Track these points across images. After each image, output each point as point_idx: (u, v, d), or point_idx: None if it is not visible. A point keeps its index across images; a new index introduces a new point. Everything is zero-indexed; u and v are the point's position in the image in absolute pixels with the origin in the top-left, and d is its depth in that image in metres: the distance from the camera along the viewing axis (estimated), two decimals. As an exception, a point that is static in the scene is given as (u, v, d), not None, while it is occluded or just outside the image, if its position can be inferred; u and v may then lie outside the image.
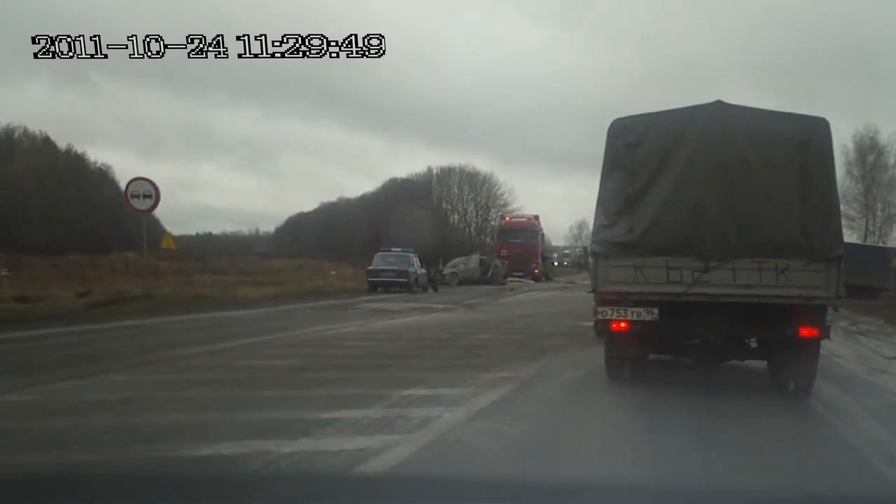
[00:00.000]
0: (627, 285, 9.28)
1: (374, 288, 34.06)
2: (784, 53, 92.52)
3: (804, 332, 9.03)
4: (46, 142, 58.15)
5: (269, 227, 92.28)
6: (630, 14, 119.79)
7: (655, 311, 9.16)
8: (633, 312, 9.20)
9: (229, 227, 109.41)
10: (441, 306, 25.22)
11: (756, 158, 9.02)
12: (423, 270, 37.35)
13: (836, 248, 9.00)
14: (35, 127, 55.73)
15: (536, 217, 57.93)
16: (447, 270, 45.66)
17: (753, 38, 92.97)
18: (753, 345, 9.91)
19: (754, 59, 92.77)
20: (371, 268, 35.79)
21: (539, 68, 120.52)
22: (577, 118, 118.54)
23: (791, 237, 8.94)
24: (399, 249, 37.51)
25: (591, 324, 17.32)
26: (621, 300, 9.28)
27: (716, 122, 9.17)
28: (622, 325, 9.27)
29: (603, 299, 9.43)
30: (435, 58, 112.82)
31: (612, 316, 9.29)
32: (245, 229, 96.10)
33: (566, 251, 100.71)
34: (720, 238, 9.00)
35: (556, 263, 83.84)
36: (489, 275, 45.87)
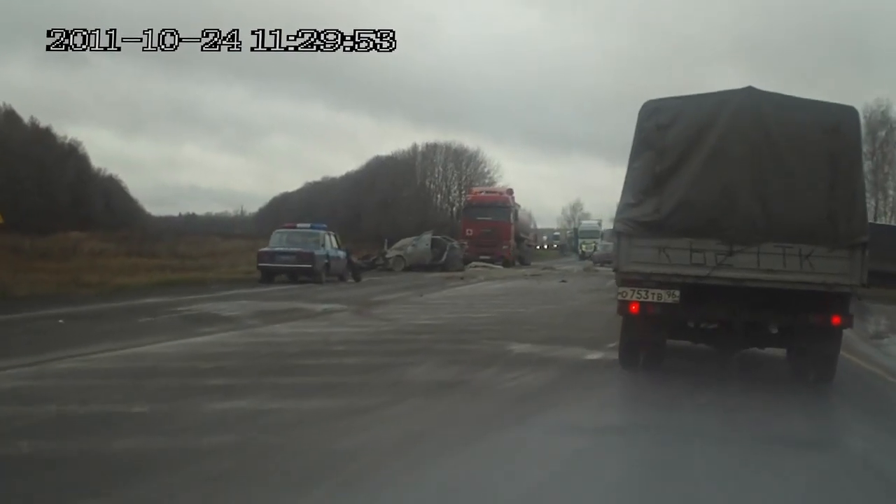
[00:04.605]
0: (650, 266, 9.28)
1: (268, 277, 25.56)
2: (776, 35, 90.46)
3: (826, 319, 9.11)
4: (10, 115, 55.84)
5: (255, 208, 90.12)
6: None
7: (677, 293, 9.18)
8: (654, 294, 9.22)
9: (215, 208, 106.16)
10: (320, 308, 17.50)
11: (785, 144, 9.12)
12: (342, 254, 28.67)
13: (860, 235, 9.06)
14: (15, 102, 52.87)
15: (510, 191, 50.01)
16: (391, 254, 38.17)
17: (745, 19, 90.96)
18: (774, 331, 9.93)
19: (747, 42, 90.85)
20: (263, 250, 26.66)
21: (532, 50, 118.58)
22: (570, 100, 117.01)
23: (817, 223, 9.01)
24: (307, 226, 29.06)
25: (530, 346, 11.65)
26: (643, 281, 9.29)
27: (747, 107, 9.25)
28: (642, 306, 9.28)
29: (624, 279, 9.45)
30: (426, 37, 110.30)
31: (632, 297, 9.31)
32: (231, 210, 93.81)
33: (556, 234, 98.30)
34: (747, 221, 9.04)
35: (543, 246, 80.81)
36: (443, 259, 38.09)
